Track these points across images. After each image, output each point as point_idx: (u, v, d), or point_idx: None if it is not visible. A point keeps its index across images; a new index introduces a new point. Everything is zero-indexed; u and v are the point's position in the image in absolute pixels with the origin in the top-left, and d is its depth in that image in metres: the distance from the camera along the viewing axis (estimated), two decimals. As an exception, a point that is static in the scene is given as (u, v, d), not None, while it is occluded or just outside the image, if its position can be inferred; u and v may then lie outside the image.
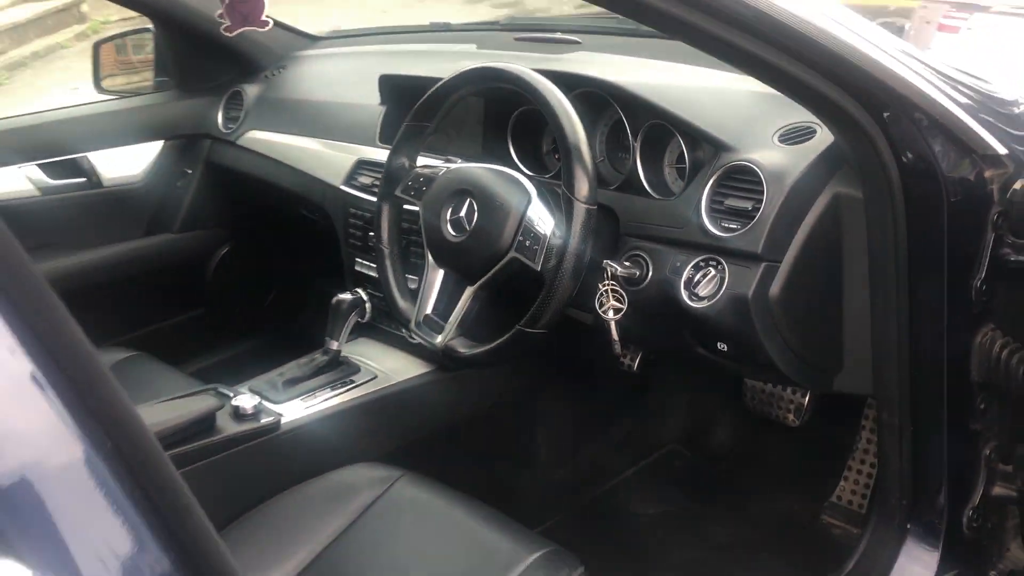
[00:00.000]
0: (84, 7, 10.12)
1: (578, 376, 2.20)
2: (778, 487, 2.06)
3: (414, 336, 1.71)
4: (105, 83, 2.65)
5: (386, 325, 2.03)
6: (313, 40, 2.67)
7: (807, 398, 1.94)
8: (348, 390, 1.87)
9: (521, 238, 1.52)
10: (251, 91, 2.51)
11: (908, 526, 1.64)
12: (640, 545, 1.99)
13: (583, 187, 1.47)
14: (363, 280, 2.05)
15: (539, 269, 1.50)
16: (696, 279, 1.49)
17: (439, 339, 1.64)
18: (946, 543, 1.62)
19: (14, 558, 0.58)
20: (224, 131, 2.52)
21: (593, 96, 1.72)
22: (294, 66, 2.54)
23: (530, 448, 2.17)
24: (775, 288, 1.44)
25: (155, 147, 2.67)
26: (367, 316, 1.95)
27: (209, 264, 2.65)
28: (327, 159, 2.17)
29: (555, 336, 1.77)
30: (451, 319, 1.63)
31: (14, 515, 0.60)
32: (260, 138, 2.40)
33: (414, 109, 1.72)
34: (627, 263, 1.57)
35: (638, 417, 2.27)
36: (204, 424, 1.68)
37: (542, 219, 1.52)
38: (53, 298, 0.64)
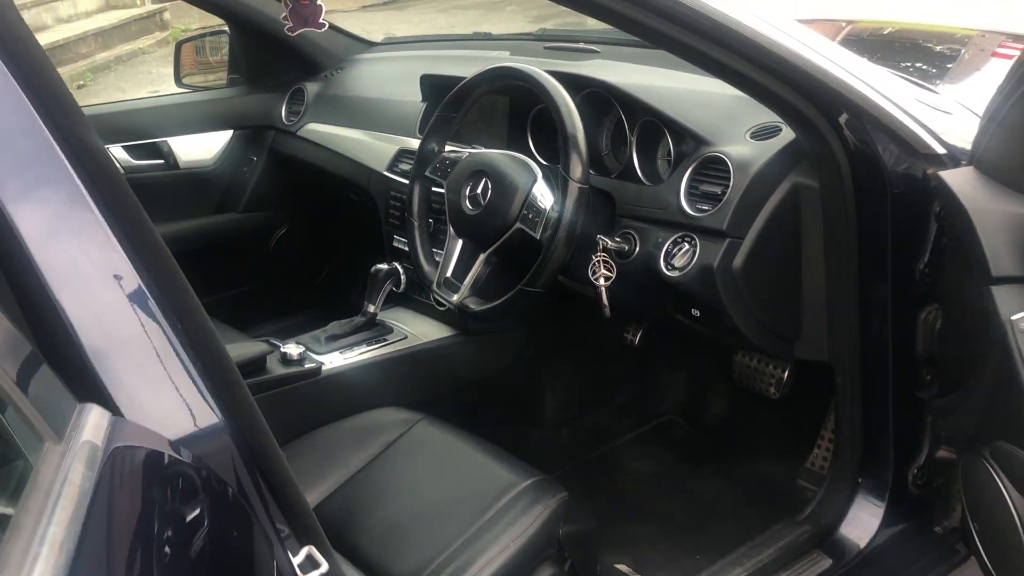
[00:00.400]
0: (166, 15, 10.57)
1: (586, 347, 2.45)
2: (760, 454, 2.28)
3: (435, 295, 1.98)
4: (185, 79, 2.97)
5: (418, 295, 2.31)
6: (369, 45, 2.96)
7: (786, 373, 2.18)
8: (381, 346, 2.15)
9: (525, 211, 1.79)
10: (312, 88, 2.80)
11: (860, 480, 1.85)
12: (632, 497, 2.22)
13: (577, 170, 1.74)
14: (400, 255, 2.33)
15: (539, 238, 1.77)
16: (673, 252, 1.74)
17: (455, 297, 1.91)
18: (892, 497, 1.83)
19: (101, 404, 0.84)
20: (286, 123, 2.82)
21: (599, 96, 1.99)
22: (351, 67, 2.83)
23: (539, 408, 2.42)
24: (738, 261, 1.68)
25: (225, 135, 2.95)
26: (402, 286, 2.24)
27: (269, 242, 2.94)
28: (373, 148, 2.46)
29: (566, 309, 2.03)
30: (466, 281, 1.91)
31: (102, 373, 0.86)
32: (317, 130, 2.69)
33: (443, 102, 2.00)
34: (618, 239, 1.83)
35: (639, 388, 2.50)
36: (256, 365, 1.97)
37: (544, 196, 1.79)
38: (153, 232, 0.92)
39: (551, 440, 2.38)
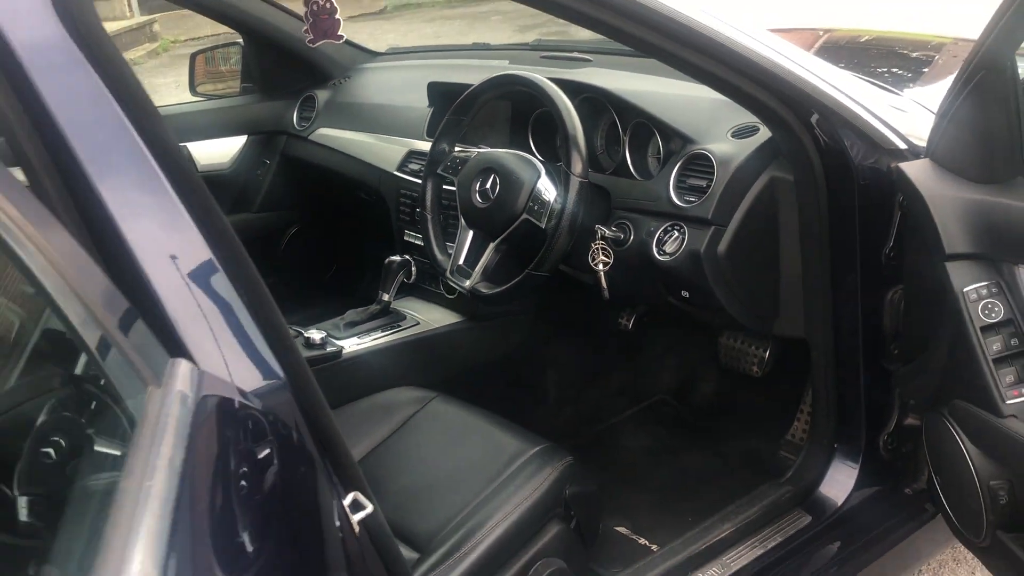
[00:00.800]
0: (156, 27, 10.71)
1: (584, 333, 2.64)
2: (745, 429, 2.46)
3: (449, 281, 2.16)
4: (198, 88, 3.15)
5: (428, 285, 2.49)
6: (374, 55, 3.14)
7: (768, 353, 2.36)
8: (396, 332, 2.33)
9: (531, 203, 1.98)
10: (322, 96, 2.98)
11: (836, 445, 2.03)
12: (628, 469, 2.40)
13: (578, 165, 1.93)
14: (410, 248, 2.51)
15: (544, 227, 1.96)
16: (664, 239, 1.93)
17: (468, 283, 2.10)
18: (865, 461, 2.01)
19: (185, 358, 0.99)
20: (298, 128, 3.00)
21: (594, 100, 2.18)
22: (357, 76, 3.01)
23: (543, 389, 2.60)
24: (722, 246, 1.86)
25: (240, 140, 3.12)
26: (412, 277, 2.42)
27: (281, 240, 3.11)
28: (383, 150, 2.64)
29: (566, 297, 2.21)
30: (477, 267, 2.10)
31: (183, 334, 1.01)
32: (328, 134, 2.87)
33: (454, 106, 2.19)
34: (614, 228, 2.02)
35: (632, 371, 2.69)
36: (282, 349, 2.14)
37: (547, 190, 1.98)
38: (220, 215, 1.09)
39: (553, 419, 2.55)
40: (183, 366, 1.00)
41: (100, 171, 1.01)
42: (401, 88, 2.78)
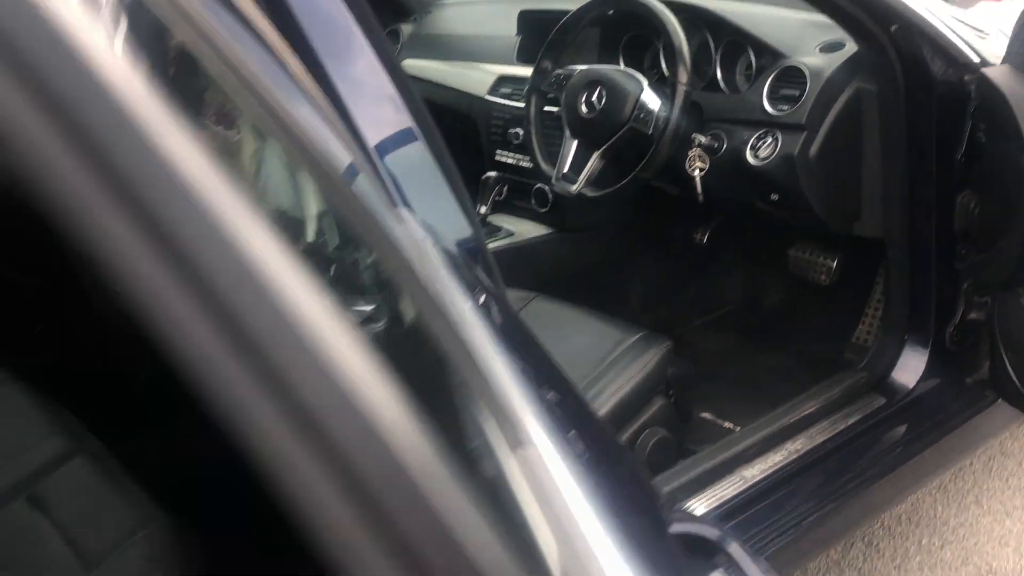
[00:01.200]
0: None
1: (663, 247, 2.83)
2: (813, 335, 2.65)
3: (556, 187, 2.35)
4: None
5: (519, 201, 2.68)
6: (449, -7, 3.33)
7: (835, 263, 2.55)
8: (492, 241, 2.52)
9: (637, 112, 2.16)
10: (406, 29, 3.15)
11: (906, 336, 2.24)
12: (707, 367, 2.60)
13: (683, 75, 2.11)
14: (502, 167, 2.69)
15: (649, 133, 2.15)
16: (758, 145, 2.12)
17: (574, 188, 2.29)
18: (933, 351, 2.21)
19: (402, 209, 1.23)
20: (383, 61, 3.17)
21: (688, 21, 2.35)
22: (438, 11, 3.18)
23: (625, 297, 2.79)
24: (814, 149, 2.05)
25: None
26: (503, 194, 2.61)
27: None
28: (473, 77, 2.82)
29: (648, 212, 2.40)
30: (582, 174, 2.28)
31: (399, 190, 1.24)
32: (415, 64, 3.02)
33: (558, 26, 2.37)
34: (709, 136, 2.20)
35: (707, 281, 2.88)
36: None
37: (651, 100, 2.16)
38: (416, 95, 1.29)
39: (635, 324, 2.75)
40: (407, 213, 1.22)
41: (329, 54, 1.22)
42: (486, 19, 2.95)
